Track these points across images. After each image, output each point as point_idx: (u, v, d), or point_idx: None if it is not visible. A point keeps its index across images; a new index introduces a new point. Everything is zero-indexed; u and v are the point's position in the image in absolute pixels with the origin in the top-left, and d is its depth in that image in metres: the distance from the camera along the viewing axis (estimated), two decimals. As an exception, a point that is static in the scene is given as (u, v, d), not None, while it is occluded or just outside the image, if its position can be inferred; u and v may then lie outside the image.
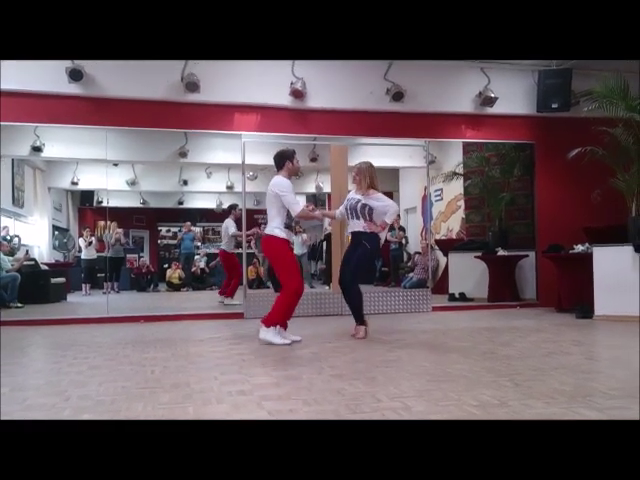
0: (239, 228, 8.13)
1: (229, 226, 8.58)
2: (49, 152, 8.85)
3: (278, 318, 4.75)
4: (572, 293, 6.84)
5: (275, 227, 4.78)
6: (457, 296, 8.54)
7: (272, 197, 4.80)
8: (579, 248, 6.82)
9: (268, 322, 4.73)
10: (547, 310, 7.31)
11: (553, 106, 7.48)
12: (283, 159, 4.92)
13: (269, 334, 4.70)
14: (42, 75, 6.27)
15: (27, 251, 9.95)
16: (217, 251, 10.85)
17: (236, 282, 8.36)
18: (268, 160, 9.86)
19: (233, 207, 8.73)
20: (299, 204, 4.86)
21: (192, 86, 6.63)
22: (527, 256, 8.18)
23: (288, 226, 4.84)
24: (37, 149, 8.56)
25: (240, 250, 8.34)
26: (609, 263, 6.19)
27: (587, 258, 6.45)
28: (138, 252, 14.06)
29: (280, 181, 4.82)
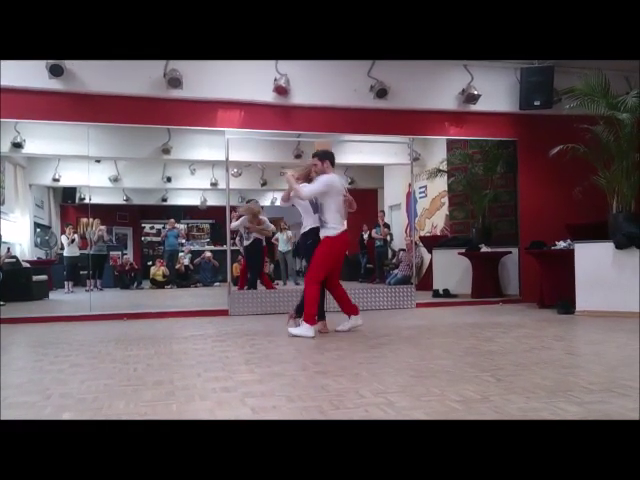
0: None
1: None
2: (30, 148, 8.71)
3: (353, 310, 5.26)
4: (554, 289, 6.91)
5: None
6: (441, 292, 8.59)
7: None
8: (561, 244, 6.90)
9: (356, 310, 5.24)
10: (529, 306, 7.38)
11: (535, 103, 7.55)
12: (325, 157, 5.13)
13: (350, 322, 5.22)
14: (22, 70, 6.17)
15: (8, 248, 9.81)
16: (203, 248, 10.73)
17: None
18: (252, 157, 10.04)
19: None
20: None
21: (175, 82, 6.59)
22: (510, 253, 8.25)
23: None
24: (17, 145, 8.42)
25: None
26: (590, 259, 6.26)
27: (569, 254, 6.51)
28: (121, 249, 13.91)
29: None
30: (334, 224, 4.93)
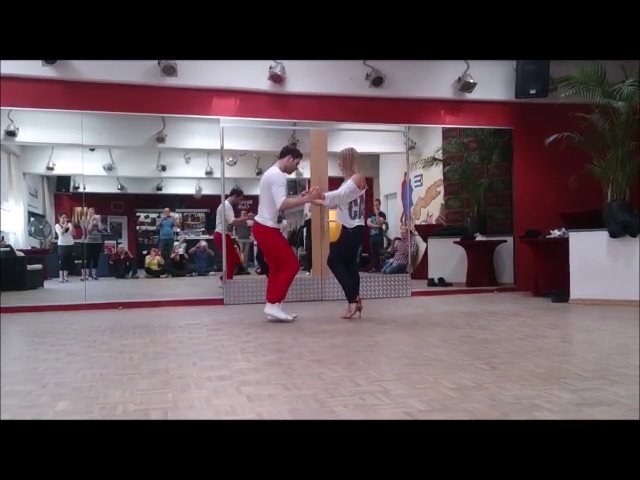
0: (235, 213, 8.50)
1: (227, 210, 8.40)
2: (23, 136, 8.65)
3: (282, 295, 5.22)
4: (548, 277, 6.94)
5: (268, 218, 5.14)
6: (436, 281, 8.61)
7: (266, 187, 5.13)
8: (556, 233, 6.92)
9: (274, 299, 5.20)
10: (524, 294, 7.42)
11: (531, 92, 7.54)
12: (287, 152, 5.32)
13: (274, 309, 5.18)
14: (15, 57, 6.13)
15: (2, 237, 9.77)
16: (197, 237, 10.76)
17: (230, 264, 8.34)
18: (247, 145, 9.99)
19: (237, 192, 8.71)
20: (282, 197, 5.08)
21: (169, 70, 6.54)
22: (505, 241, 8.27)
23: (279, 217, 5.28)
24: (11, 133, 8.36)
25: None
26: (585, 248, 6.28)
27: (563, 243, 6.53)
28: (116, 238, 13.90)
29: (275, 172, 5.15)
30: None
